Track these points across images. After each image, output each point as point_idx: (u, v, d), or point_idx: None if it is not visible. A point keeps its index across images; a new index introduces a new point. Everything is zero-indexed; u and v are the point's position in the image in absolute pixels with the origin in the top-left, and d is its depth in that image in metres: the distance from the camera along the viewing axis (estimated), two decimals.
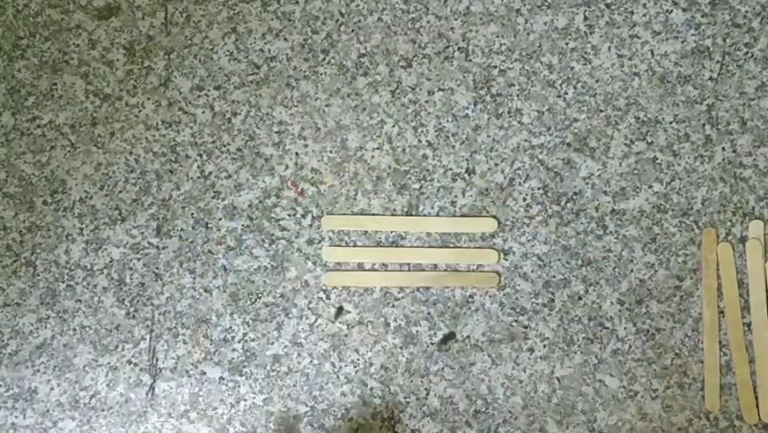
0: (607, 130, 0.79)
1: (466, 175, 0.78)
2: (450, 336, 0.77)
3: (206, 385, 0.77)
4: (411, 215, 0.78)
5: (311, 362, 0.77)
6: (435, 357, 0.76)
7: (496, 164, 0.78)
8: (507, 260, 0.77)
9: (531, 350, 0.76)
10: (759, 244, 0.76)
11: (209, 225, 0.79)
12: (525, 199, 0.78)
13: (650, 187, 0.78)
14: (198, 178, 0.79)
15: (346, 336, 0.77)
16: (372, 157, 0.79)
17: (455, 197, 0.78)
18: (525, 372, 0.76)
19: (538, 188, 0.78)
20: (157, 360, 0.77)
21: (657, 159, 0.78)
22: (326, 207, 0.78)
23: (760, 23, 0.79)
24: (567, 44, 0.79)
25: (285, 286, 0.78)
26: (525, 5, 0.80)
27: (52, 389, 0.77)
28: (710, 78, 0.79)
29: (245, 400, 0.77)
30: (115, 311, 0.78)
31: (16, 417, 0.77)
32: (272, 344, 0.77)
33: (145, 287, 0.78)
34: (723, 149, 0.78)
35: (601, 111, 0.79)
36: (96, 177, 0.79)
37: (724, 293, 0.76)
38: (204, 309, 0.78)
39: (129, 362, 0.77)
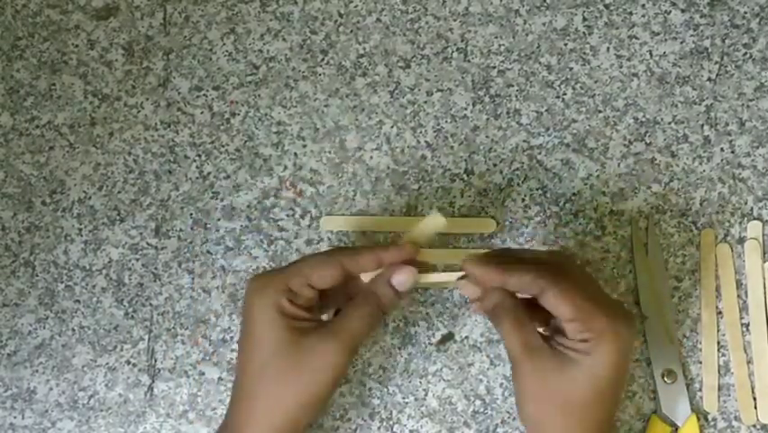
0: (605, 130, 0.79)
1: (465, 176, 0.78)
2: (448, 337, 0.77)
3: (205, 386, 0.77)
4: (410, 215, 0.78)
5: None
6: (434, 357, 0.76)
7: (494, 165, 0.78)
8: None
9: None
10: (758, 245, 0.76)
11: (208, 226, 0.79)
12: (523, 200, 0.78)
13: (648, 187, 0.78)
14: (197, 178, 0.79)
15: None
16: (371, 157, 0.79)
17: (454, 197, 0.78)
18: None
19: (537, 189, 0.78)
20: (155, 360, 0.77)
21: (656, 159, 0.78)
22: (325, 207, 0.78)
23: (759, 24, 0.79)
24: (566, 45, 0.79)
25: None
26: (523, 6, 0.80)
27: (51, 389, 0.77)
28: (709, 79, 0.79)
29: None
30: (114, 311, 0.78)
31: (15, 417, 0.77)
32: None
33: (144, 287, 0.78)
34: (721, 149, 0.78)
35: (600, 112, 0.79)
36: (95, 177, 0.79)
37: (722, 294, 0.76)
38: (202, 310, 0.78)
39: (128, 362, 0.77)
